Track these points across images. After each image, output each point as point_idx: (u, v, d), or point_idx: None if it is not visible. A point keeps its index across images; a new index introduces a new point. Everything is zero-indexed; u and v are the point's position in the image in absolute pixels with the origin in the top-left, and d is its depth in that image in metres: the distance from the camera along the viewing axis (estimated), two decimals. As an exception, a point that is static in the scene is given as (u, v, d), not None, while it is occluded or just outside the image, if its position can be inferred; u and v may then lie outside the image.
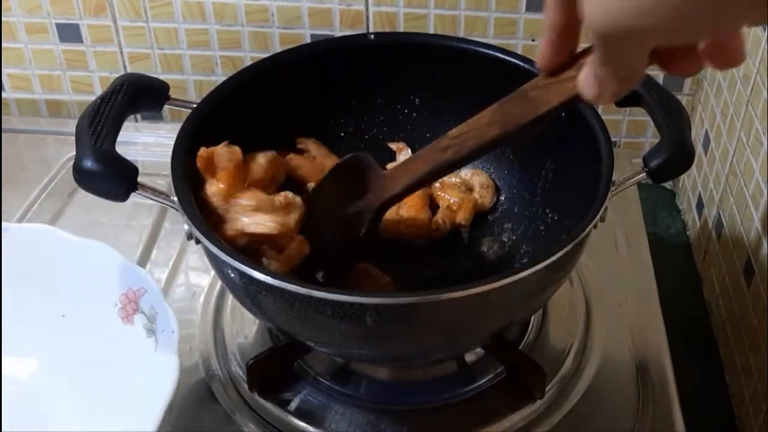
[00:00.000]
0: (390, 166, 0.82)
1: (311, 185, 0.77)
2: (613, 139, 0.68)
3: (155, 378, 0.64)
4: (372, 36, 0.81)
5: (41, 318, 0.70)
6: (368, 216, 0.66)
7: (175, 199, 0.63)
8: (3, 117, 1.07)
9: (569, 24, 0.45)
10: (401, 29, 0.98)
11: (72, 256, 0.71)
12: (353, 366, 0.74)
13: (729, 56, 0.41)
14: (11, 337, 0.69)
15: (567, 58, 0.49)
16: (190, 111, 0.72)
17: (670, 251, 0.96)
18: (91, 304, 0.70)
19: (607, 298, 0.81)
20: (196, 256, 0.85)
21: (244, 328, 0.76)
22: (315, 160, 0.81)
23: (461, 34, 0.97)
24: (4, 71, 1.06)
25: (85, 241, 0.72)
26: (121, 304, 0.70)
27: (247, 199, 0.66)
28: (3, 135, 0.99)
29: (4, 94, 1.09)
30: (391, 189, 0.65)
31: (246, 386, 0.71)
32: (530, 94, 0.53)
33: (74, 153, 0.63)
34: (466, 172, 0.82)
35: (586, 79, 0.44)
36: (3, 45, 1.04)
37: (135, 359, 0.67)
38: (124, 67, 1.05)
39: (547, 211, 0.76)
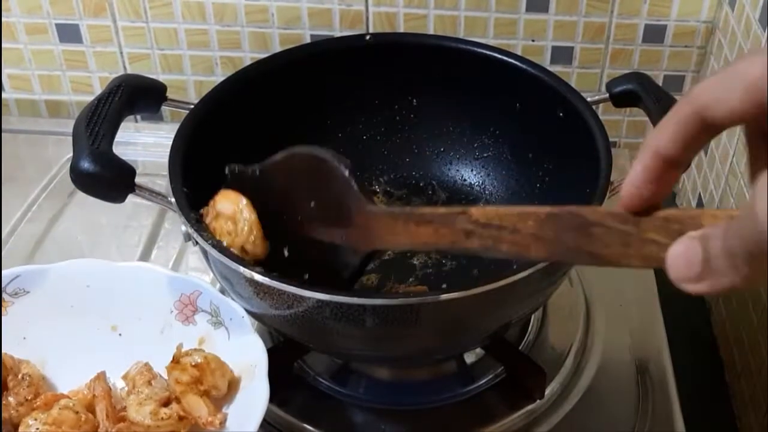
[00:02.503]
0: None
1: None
2: (612, 140, 0.68)
3: (241, 358, 0.66)
4: (369, 37, 0.81)
5: (96, 342, 0.71)
6: (353, 262, 0.58)
7: (173, 200, 0.63)
8: (3, 117, 1.07)
9: (679, 157, 0.37)
10: (401, 30, 0.98)
11: (115, 282, 0.72)
12: (353, 366, 0.74)
13: None
14: (70, 367, 0.69)
15: (658, 197, 0.39)
16: (188, 112, 0.72)
17: (670, 251, 0.95)
18: (145, 317, 0.71)
19: (607, 298, 0.81)
20: (195, 256, 0.85)
21: (244, 328, 0.76)
22: None
23: (461, 35, 0.97)
24: (4, 71, 1.06)
25: (125, 265, 0.73)
26: (177, 309, 0.71)
27: None
28: (3, 135, 0.99)
29: (4, 95, 1.09)
30: (383, 240, 0.55)
31: (245, 387, 0.71)
32: (595, 231, 0.41)
33: (74, 154, 0.64)
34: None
35: (686, 259, 0.35)
36: (3, 45, 1.04)
37: (211, 351, 0.68)
38: (124, 67, 1.05)
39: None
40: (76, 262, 0.73)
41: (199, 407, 0.64)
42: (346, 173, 0.57)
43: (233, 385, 0.66)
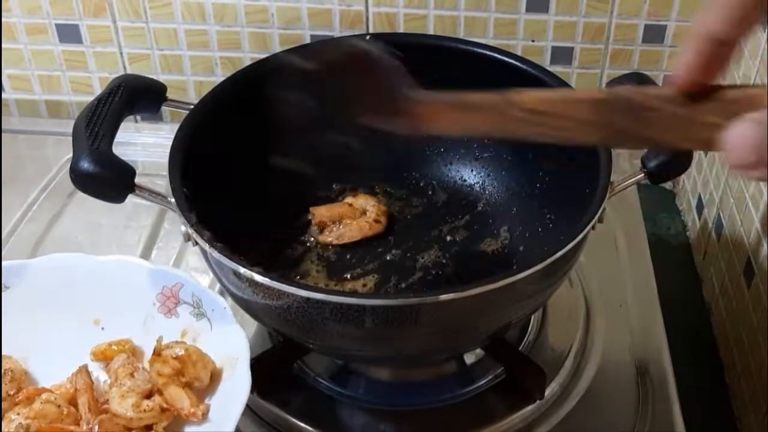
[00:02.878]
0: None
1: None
2: (612, 140, 0.68)
3: (223, 349, 0.67)
4: (369, 37, 0.81)
5: (78, 336, 0.71)
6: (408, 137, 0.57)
7: (173, 200, 0.63)
8: (3, 117, 1.07)
9: (732, 37, 0.36)
10: (401, 30, 0.98)
11: (96, 275, 0.73)
12: (353, 366, 0.74)
13: None
14: (53, 361, 0.70)
15: (713, 80, 0.38)
16: (188, 112, 0.72)
17: (670, 252, 0.95)
18: (127, 310, 0.72)
19: (607, 299, 0.81)
20: (195, 257, 0.85)
21: (244, 328, 0.75)
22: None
23: (461, 35, 0.97)
24: (4, 71, 1.06)
25: (107, 258, 0.74)
26: (159, 302, 0.72)
27: None
28: (3, 135, 0.99)
29: (4, 95, 1.09)
30: (434, 126, 0.54)
31: (245, 387, 0.71)
32: (651, 117, 0.40)
33: (74, 154, 0.64)
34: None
35: (743, 143, 0.33)
36: (3, 45, 1.04)
37: (194, 343, 0.69)
38: (124, 67, 1.05)
39: (545, 211, 0.76)
40: (57, 257, 0.74)
41: (181, 399, 0.64)
42: (395, 63, 0.57)
43: (215, 376, 0.67)
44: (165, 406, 0.64)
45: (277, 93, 0.60)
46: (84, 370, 0.68)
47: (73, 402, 0.65)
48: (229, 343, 0.67)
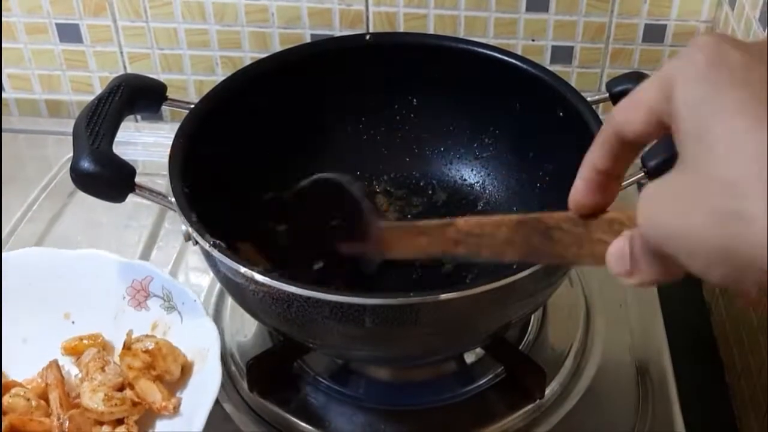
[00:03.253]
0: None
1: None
2: (612, 139, 0.68)
3: (194, 342, 0.68)
4: (369, 37, 0.81)
5: (49, 330, 0.72)
6: (372, 266, 0.67)
7: (173, 199, 0.63)
8: (3, 117, 1.07)
9: (613, 171, 0.42)
10: (401, 29, 0.98)
11: (66, 269, 0.73)
12: (353, 366, 0.74)
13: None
14: (24, 356, 0.70)
15: (602, 205, 0.44)
16: (188, 111, 0.72)
17: (670, 251, 0.95)
18: (98, 304, 0.72)
19: (607, 298, 0.81)
20: (196, 256, 0.85)
21: (244, 327, 0.76)
22: None
23: (461, 34, 0.97)
24: (4, 71, 1.06)
25: (76, 252, 0.74)
26: (130, 295, 0.72)
27: None
28: (3, 135, 0.99)
29: (4, 94, 1.09)
30: (392, 251, 0.64)
31: (246, 386, 0.71)
32: (555, 235, 0.47)
33: (74, 154, 0.64)
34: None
35: (618, 256, 0.39)
36: (3, 45, 1.04)
37: (164, 336, 0.70)
38: (124, 67, 1.05)
39: (546, 211, 0.76)
40: (27, 251, 0.75)
41: (152, 392, 0.65)
42: (359, 194, 0.68)
43: (186, 369, 0.67)
44: (136, 399, 0.65)
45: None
46: (54, 364, 0.68)
47: (44, 396, 0.66)
48: (200, 336, 0.67)
